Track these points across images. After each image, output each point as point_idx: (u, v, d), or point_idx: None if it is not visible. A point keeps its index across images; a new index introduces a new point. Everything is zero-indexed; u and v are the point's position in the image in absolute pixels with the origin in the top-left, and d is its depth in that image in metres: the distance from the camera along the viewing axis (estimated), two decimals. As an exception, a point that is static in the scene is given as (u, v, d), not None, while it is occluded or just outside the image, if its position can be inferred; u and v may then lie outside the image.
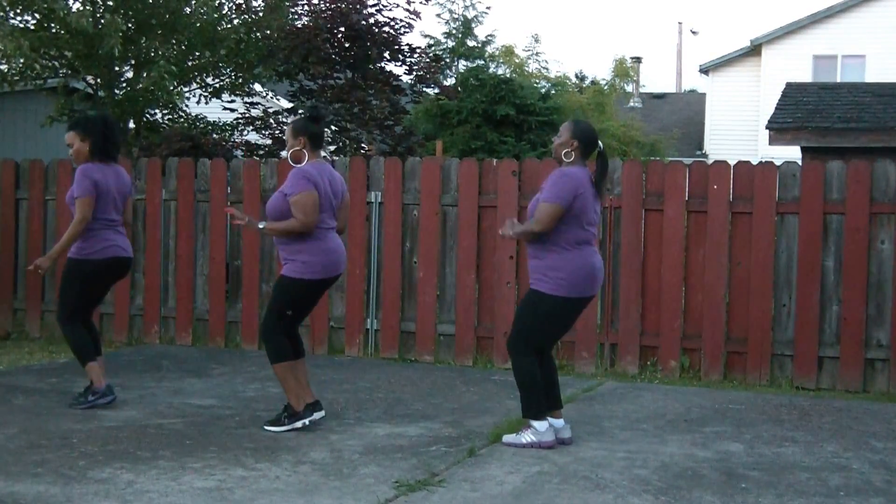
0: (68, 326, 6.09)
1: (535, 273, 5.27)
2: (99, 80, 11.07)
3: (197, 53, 11.45)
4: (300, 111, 15.06)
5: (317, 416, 5.55)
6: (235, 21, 11.77)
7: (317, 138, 5.58)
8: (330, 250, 5.52)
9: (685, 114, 31.01)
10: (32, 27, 10.53)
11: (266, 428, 5.54)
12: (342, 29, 14.53)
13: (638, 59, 33.67)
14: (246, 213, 8.53)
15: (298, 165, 5.51)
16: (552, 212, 5.14)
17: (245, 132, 14.46)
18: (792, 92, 14.18)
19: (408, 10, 14.97)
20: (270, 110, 14.74)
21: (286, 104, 15.64)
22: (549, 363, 5.42)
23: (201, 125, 12.97)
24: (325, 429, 5.60)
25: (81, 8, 10.26)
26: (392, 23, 14.87)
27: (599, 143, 5.34)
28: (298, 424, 5.49)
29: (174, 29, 11.00)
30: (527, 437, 5.26)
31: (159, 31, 10.87)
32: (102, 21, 10.02)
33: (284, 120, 14.83)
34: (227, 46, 11.26)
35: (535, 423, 5.25)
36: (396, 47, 14.99)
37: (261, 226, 5.63)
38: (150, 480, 4.52)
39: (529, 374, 5.27)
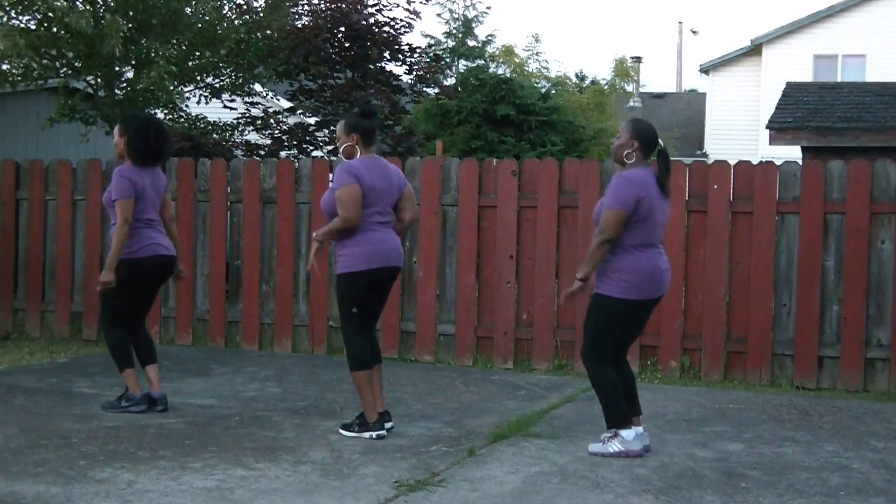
0: (108, 330, 6.03)
1: (600, 275, 5.16)
2: (99, 81, 11.06)
3: (197, 53, 11.44)
4: (299, 111, 15.09)
5: (386, 426, 5.46)
6: (236, 21, 11.76)
7: (369, 134, 5.50)
8: (376, 241, 5.39)
9: (685, 114, 31.01)
10: (33, 27, 10.52)
11: (341, 431, 5.50)
12: (342, 29, 14.53)
13: (638, 59, 33.67)
14: (246, 213, 8.54)
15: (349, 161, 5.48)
16: (616, 217, 5.04)
17: (245, 132, 14.45)
18: (792, 91, 14.17)
19: (408, 10, 14.97)
20: (270, 110, 14.74)
21: (286, 104, 15.64)
22: (626, 371, 5.32)
23: (201, 125, 12.96)
24: (325, 429, 5.61)
25: (82, 8, 10.26)
26: (392, 23, 14.87)
27: (660, 141, 5.24)
28: (366, 436, 5.39)
29: (175, 29, 10.99)
30: (614, 446, 5.12)
31: (160, 32, 10.87)
32: (103, 21, 10.01)
33: (284, 120, 14.84)
34: (228, 46, 11.25)
35: (623, 432, 5.12)
36: (396, 47, 14.99)
37: (314, 235, 5.55)
38: (151, 480, 4.52)
39: (608, 382, 5.15)
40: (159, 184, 6.09)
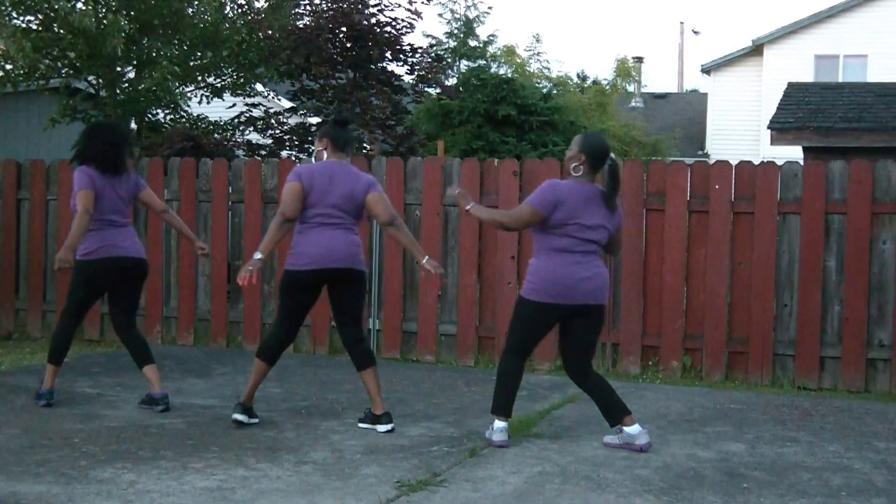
0: (60, 321, 6.16)
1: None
2: (101, 81, 11.07)
3: (199, 53, 11.45)
4: (300, 111, 15.09)
5: (381, 428, 5.54)
6: (237, 21, 11.76)
7: (336, 140, 5.65)
8: (315, 243, 5.51)
9: (687, 114, 31.00)
10: (35, 27, 10.53)
11: (360, 425, 5.65)
12: (344, 29, 14.53)
13: (639, 59, 33.68)
14: (248, 213, 8.54)
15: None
16: (526, 213, 5.24)
17: (247, 132, 14.47)
18: (794, 92, 14.17)
19: (409, 10, 14.98)
20: (272, 110, 14.75)
21: (287, 104, 15.65)
22: (594, 381, 5.37)
23: (203, 125, 12.96)
24: (327, 429, 5.61)
25: (84, 8, 10.27)
26: (393, 23, 14.87)
27: (611, 156, 5.30)
28: (243, 418, 5.57)
29: (176, 29, 10.99)
30: (488, 430, 5.38)
31: (161, 32, 10.87)
32: (105, 21, 10.02)
33: (285, 120, 14.84)
34: (229, 47, 11.26)
35: (496, 422, 5.34)
36: (398, 47, 14.99)
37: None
38: (152, 480, 4.53)
39: (504, 372, 5.38)
40: (125, 186, 6.07)
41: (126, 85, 11.19)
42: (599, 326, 5.42)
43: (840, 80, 23.96)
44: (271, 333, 5.71)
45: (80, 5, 10.41)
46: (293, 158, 13.69)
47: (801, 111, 13.06)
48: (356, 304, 5.75)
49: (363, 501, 4.29)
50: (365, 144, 14.72)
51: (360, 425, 5.65)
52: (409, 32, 15.04)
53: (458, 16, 28.88)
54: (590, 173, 5.28)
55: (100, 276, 6.02)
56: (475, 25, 29.08)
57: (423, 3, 20.78)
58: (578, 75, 37.74)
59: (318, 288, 5.64)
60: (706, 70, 28.18)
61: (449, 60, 26.41)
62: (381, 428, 5.54)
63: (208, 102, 12.41)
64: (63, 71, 10.93)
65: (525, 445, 5.32)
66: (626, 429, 5.29)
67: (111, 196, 6.00)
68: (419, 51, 15.43)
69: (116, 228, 6.02)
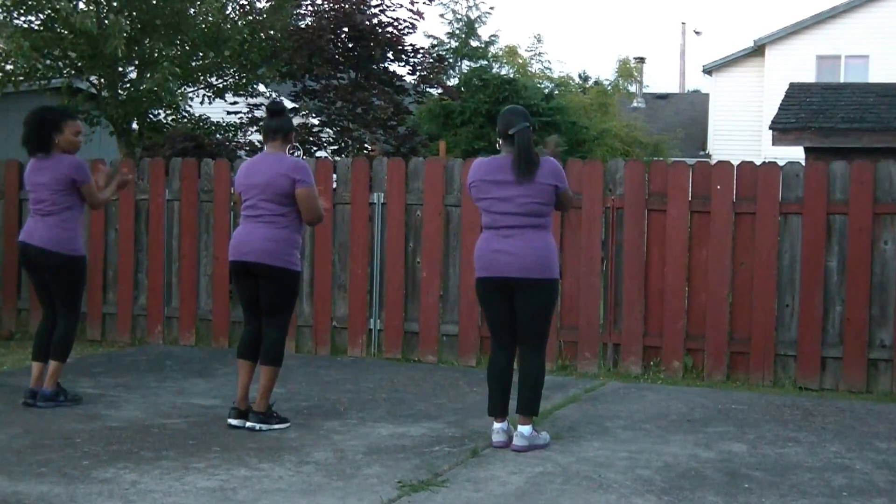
0: None
1: None
2: (102, 81, 11.08)
3: (200, 54, 11.46)
4: (302, 111, 15.11)
5: (232, 422, 5.58)
6: (239, 22, 11.78)
7: (264, 131, 5.71)
8: (235, 235, 5.67)
9: (688, 114, 30.99)
10: (37, 27, 10.55)
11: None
12: (346, 29, 14.55)
13: (641, 60, 33.68)
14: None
15: None
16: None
17: (248, 132, 14.48)
18: (795, 92, 14.17)
19: (411, 11, 15.00)
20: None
21: (289, 104, 15.67)
22: (523, 364, 5.32)
23: (204, 126, 12.98)
24: (329, 429, 5.61)
25: (86, 8, 10.28)
26: (395, 23, 14.90)
27: (519, 125, 5.19)
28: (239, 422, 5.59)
29: (178, 30, 11.01)
30: None
31: (163, 32, 10.89)
32: (106, 21, 10.03)
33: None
34: (231, 47, 11.27)
35: (494, 423, 5.33)
36: (400, 47, 15.01)
37: None
38: (154, 480, 4.53)
39: (487, 370, 5.41)
40: (43, 175, 6.15)
41: (128, 85, 11.21)
42: (535, 305, 5.23)
43: (842, 80, 23.93)
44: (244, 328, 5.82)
45: (81, 5, 10.43)
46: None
47: (802, 112, 13.05)
48: (270, 300, 5.61)
49: (365, 501, 4.29)
50: (366, 145, 14.74)
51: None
52: (410, 33, 15.07)
53: (459, 16, 28.86)
54: (506, 147, 5.31)
55: (22, 261, 6.33)
56: (477, 26, 29.05)
57: (424, 3, 20.83)
58: (580, 76, 37.73)
59: (248, 279, 5.61)
60: (708, 70, 28.18)
61: (451, 61, 26.40)
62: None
63: (210, 103, 12.43)
64: (65, 71, 10.95)
65: (526, 445, 5.31)
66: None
67: (41, 182, 6.13)
68: (421, 51, 15.45)
69: (38, 216, 6.15)
